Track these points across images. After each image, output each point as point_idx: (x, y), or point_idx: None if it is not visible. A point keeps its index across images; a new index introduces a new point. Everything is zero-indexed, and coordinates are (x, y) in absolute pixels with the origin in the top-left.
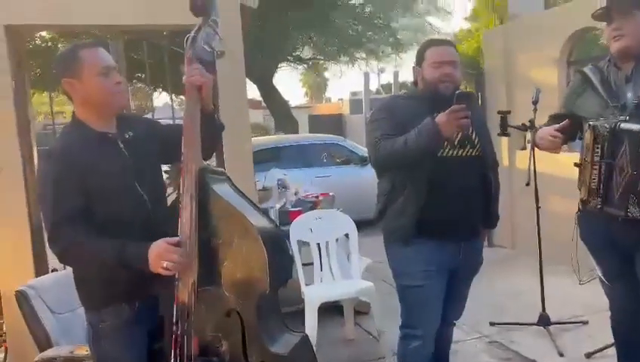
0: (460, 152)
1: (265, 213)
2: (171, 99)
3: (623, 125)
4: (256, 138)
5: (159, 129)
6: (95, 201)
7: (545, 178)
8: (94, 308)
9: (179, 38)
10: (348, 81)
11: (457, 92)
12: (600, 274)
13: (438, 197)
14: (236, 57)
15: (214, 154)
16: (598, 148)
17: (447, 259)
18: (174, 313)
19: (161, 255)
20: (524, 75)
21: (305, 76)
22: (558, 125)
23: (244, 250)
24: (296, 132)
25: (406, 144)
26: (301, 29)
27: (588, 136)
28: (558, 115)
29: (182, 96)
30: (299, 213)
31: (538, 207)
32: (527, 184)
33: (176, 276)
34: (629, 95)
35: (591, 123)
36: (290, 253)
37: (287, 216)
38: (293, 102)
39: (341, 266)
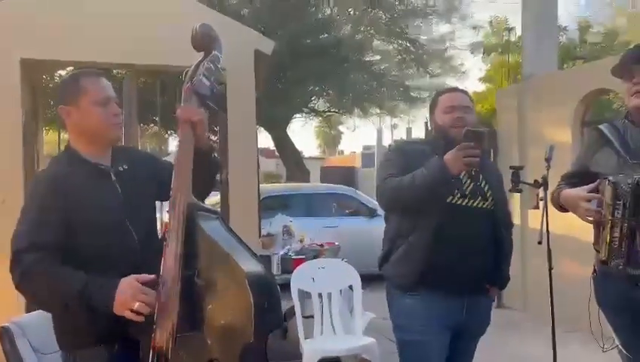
0: (470, 202)
1: (256, 256)
2: None
3: None
4: (265, 185)
5: (156, 165)
6: (78, 234)
7: (558, 238)
8: (69, 348)
9: None
10: (361, 135)
11: (466, 129)
12: (618, 344)
13: (443, 247)
14: (248, 102)
15: (220, 197)
16: (619, 205)
17: (450, 315)
18: (149, 359)
19: (130, 294)
20: (537, 134)
21: (319, 128)
22: (587, 186)
23: (230, 295)
24: (308, 181)
25: (413, 180)
26: (316, 81)
27: (608, 192)
28: (571, 172)
29: None
30: (302, 261)
31: (550, 268)
32: (540, 242)
33: (155, 319)
34: None
35: (611, 179)
36: (284, 299)
37: (289, 264)
38: (306, 153)
39: (343, 320)
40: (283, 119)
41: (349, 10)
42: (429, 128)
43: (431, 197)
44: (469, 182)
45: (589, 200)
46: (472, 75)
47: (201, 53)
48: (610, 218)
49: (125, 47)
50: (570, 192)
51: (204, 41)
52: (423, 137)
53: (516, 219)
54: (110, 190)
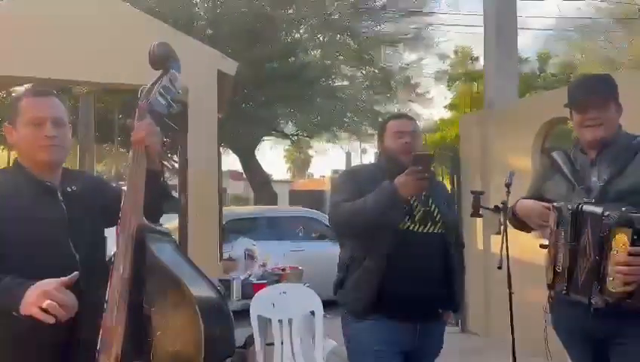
0: (421, 228)
1: (209, 281)
2: None
3: (585, 207)
4: (230, 207)
5: (107, 190)
6: (15, 250)
7: (519, 263)
8: None
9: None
10: (331, 159)
11: (414, 153)
12: None
13: (396, 273)
14: (210, 123)
15: (179, 220)
16: (561, 230)
17: (402, 340)
18: None
19: (41, 291)
20: (498, 161)
21: (289, 151)
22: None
23: (179, 321)
24: (275, 204)
25: (365, 204)
26: (283, 104)
27: (552, 218)
28: (526, 197)
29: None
30: (263, 285)
31: (511, 293)
32: (499, 267)
33: (98, 346)
34: (594, 179)
35: (555, 204)
36: (245, 326)
37: (250, 289)
38: (276, 176)
39: (304, 346)
40: (251, 141)
41: (318, 35)
42: (378, 150)
43: (382, 222)
44: (419, 207)
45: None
46: (437, 102)
47: (160, 72)
48: (553, 243)
49: (83, 65)
50: (526, 201)
51: (162, 60)
52: (376, 156)
53: (479, 245)
54: (55, 208)
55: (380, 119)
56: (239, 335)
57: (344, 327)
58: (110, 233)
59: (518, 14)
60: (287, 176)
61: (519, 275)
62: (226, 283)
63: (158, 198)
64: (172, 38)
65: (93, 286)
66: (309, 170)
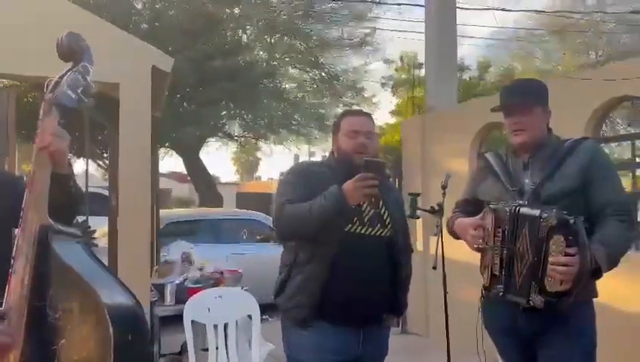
0: (369, 231)
1: (124, 285)
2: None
3: (522, 210)
4: (169, 210)
5: (20, 190)
6: None
7: (456, 264)
8: None
9: (96, 99)
10: (279, 162)
11: (366, 159)
12: None
13: (341, 278)
14: (143, 121)
15: (108, 222)
16: (499, 232)
17: (345, 348)
18: None
19: None
20: (438, 164)
21: (236, 154)
22: (475, 218)
23: (87, 328)
24: (221, 207)
25: (311, 209)
26: (227, 104)
27: (489, 220)
28: (463, 199)
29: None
30: (198, 290)
31: (446, 293)
32: (434, 268)
33: None
34: (527, 181)
35: (492, 206)
36: (180, 331)
37: (185, 293)
38: (223, 179)
39: (241, 351)
40: (194, 142)
41: (265, 36)
42: (332, 147)
43: (328, 228)
44: (368, 209)
45: (476, 229)
46: (383, 107)
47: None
48: (491, 245)
49: (4, 58)
50: (461, 221)
51: (71, 51)
52: (329, 154)
53: (419, 246)
54: None
55: (326, 122)
56: (174, 342)
57: (284, 334)
58: None
59: (461, 23)
60: (234, 178)
61: (456, 276)
62: (160, 288)
63: (69, 202)
64: (104, 31)
65: None
66: (257, 173)
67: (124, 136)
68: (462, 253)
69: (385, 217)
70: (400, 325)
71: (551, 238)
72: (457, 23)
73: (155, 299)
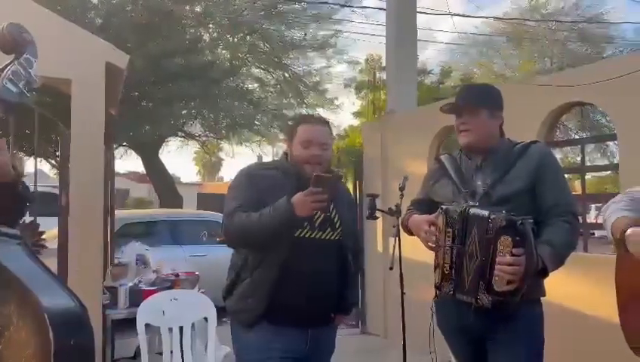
0: (319, 234)
1: (67, 288)
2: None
3: (472, 210)
4: (125, 211)
5: None
6: None
7: (414, 264)
8: None
9: (49, 96)
10: (242, 163)
11: (315, 174)
12: None
13: (289, 282)
14: (96, 118)
15: (58, 224)
16: (449, 232)
17: (293, 349)
18: None
19: None
20: (397, 166)
21: (198, 154)
22: (429, 216)
23: (25, 333)
24: (181, 208)
25: (260, 220)
26: (186, 103)
27: (440, 220)
28: (417, 199)
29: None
30: (153, 292)
31: (403, 293)
32: (391, 268)
33: None
34: (479, 183)
35: (443, 206)
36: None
37: (139, 296)
38: (184, 179)
39: (196, 355)
40: (153, 141)
41: (227, 35)
42: (285, 150)
43: (276, 236)
44: (318, 214)
45: (430, 226)
46: (346, 109)
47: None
48: (442, 244)
49: None
50: (415, 218)
51: (13, 43)
52: (282, 155)
53: (379, 247)
54: None
55: (290, 123)
56: (128, 345)
57: (233, 337)
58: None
59: (427, 27)
60: (196, 179)
61: (414, 276)
62: (113, 291)
63: (14, 203)
64: (55, 25)
65: None
66: (219, 174)
67: (76, 134)
68: (420, 253)
69: (335, 220)
70: (360, 325)
71: (499, 239)
72: (423, 27)
73: (108, 301)
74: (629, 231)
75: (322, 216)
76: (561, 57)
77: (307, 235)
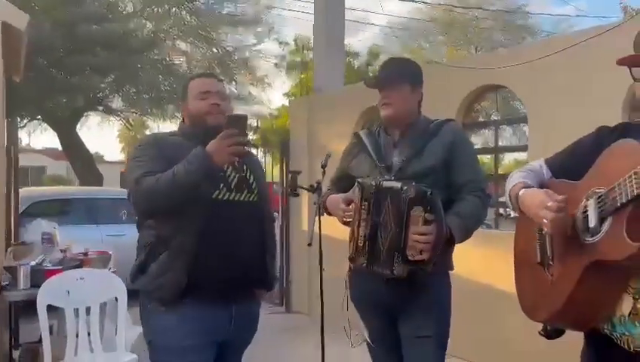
0: (237, 196)
1: None
2: None
3: (385, 183)
4: (36, 188)
5: None
6: None
7: (334, 241)
8: None
9: None
10: None
11: (228, 115)
12: (366, 336)
13: (210, 250)
14: None
15: None
16: (365, 205)
17: (216, 328)
18: None
19: None
20: (323, 144)
21: (123, 131)
22: (346, 194)
23: None
24: (101, 185)
25: (174, 177)
26: (103, 73)
27: (356, 194)
28: (336, 176)
29: None
30: (57, 272)
31: (322, 269)
32: (309, 244)
33: None
34: (395, 158)
35: (359, 180)
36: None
37: (42, 276)
38: (108, 157)
39: (105, 337)
40: (70, 116)
41: (152, 6)
42: (182, 115)
43: (194, 196)
44: (234, 174)
45: (348, 204)
46: (277, 88)
47: None
48: (357, 218)
49: None
50: (332, 197)
51: None
52: (180, 123)
53: (304, 225)
54: None
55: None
56: (34, 329)
57: (146, 320)
58: None
59: (358, 9)
60: (120, 157)
61: (336, 253)
62: (13, 271)
63: None
64: None
65: None
66: None
67: None
68: (341, 231)
69: (251, 181)
70: (284, 304)
71: (411, 209)
72: (358, 9)
73: (7, 283)
74: (521, 191)
75: (237, 176)
76: (484, 45)
77: (224, 198)
